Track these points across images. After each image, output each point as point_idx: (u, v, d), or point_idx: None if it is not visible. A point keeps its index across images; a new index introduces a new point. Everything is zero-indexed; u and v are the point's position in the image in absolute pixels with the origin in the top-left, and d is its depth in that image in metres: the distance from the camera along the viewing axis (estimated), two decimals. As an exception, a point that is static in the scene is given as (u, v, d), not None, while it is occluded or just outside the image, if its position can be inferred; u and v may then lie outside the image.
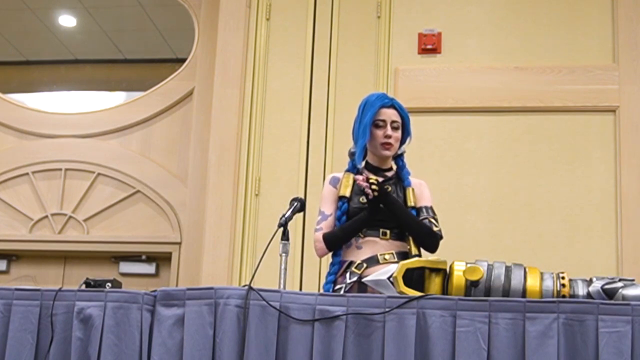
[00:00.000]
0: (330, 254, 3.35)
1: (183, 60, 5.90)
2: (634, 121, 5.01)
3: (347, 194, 3.35)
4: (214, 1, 5.67)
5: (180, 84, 5.81)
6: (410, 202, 3.38)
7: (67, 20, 6.75)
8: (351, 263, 3.29)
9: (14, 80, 6.93)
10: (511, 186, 5.05)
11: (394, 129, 3.37)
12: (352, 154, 3.43)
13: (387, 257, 3.28)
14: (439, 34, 5.29)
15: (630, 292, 2.60)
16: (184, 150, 5.71)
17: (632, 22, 5.12)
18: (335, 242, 3.31)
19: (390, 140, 3.36)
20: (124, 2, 6.46)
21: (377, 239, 3.31)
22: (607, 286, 2.63)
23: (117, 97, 6.42)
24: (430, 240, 3.31)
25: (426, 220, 3.35)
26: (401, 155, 3.46)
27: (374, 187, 3.22)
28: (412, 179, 3.45)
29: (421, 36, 5.30)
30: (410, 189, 3.41)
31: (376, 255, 3.28)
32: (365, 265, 3.26)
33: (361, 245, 3.30)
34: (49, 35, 6.78)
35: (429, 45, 5.28)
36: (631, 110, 5.03)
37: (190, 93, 5.77)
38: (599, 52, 5.16)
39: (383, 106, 3.37)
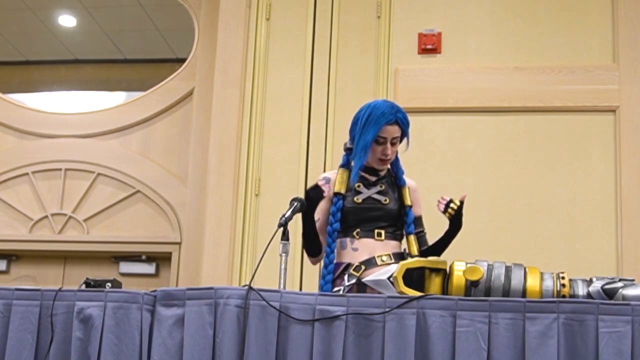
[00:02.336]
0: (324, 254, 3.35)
1: (183, 60, 5.90)
2: (634, 121, 5.01)
3: (343, 191, 3.35)
4: (214, 1, 5.67)
5: (180, 84, 5.81)
6: (407, 202, 3.39)
7: (67, 20, 6.75)
8: (348, 265, 3.28)
9: (14, 80, 6.93)
10: (511, 186, 5.06)
11: (393, 144, 3.36)
12: (347, 149, 3.42)
13: (384, 258, 3.28)
14: (439, 34, 5.29)
15: (630, 292, 2.60)
16: (184, 150, 5.71)
17: (632, 22, 5.12)
18: (308, 251, 3.36)
19: (388, 158, 3.35)
20: (124, 2, 6.46)
21: (372, 240, 3.31)
22: (607, 286, 2.63)
23: (117, 97, 6.42)
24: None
25: (423, 235, 3.46)
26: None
27: (450, 210, 3.35)
28: (406, 179, 3.47)
29: (421, 36, 5.30)
30: (406, 189, 3.42)
31: (373, 257, 3.28)
32: (363, 267, 3.26)
33: (357, 247, 3.30)
34: (49, 35, 6.78)
35: (429, 45, 5.28)
36: (631, 110, 5.03)
37: (190, 93, 5.77)
38: (599, 52, 5.16)
39: (387, 123, 3.32)
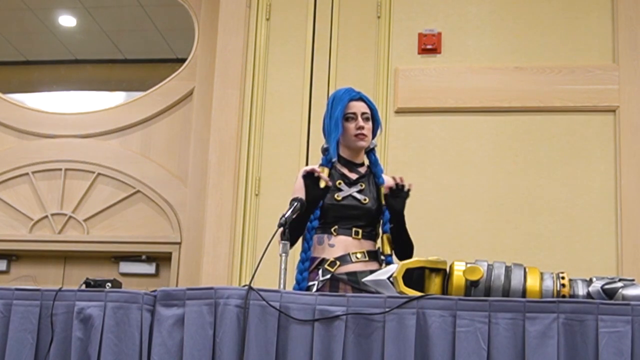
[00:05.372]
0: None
1: (183, 60, 5.90)
2: (634, 121, 5.01)
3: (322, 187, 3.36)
4: (214, 1, 5.68)
5: (180, 84, 5.81)
6: (383, 201, 3.41)
7: (67, 20, 6.75)
8: (323, 260, 3.31)
9: (14, 80, 6.93)
10: (511, 186, 5.05)
11: (365, 120, 3.40)
12: (324, 150, 3.46)
13: (358, 255, 3.31)
14: (439, 34, 5.29)
15: (630, 292, 2.60)
16: (184, 150, 5.71)
17: (632, 22, 5.12)
18: (292, 239, 3.28)
19: (364, 131, 3.39)
20: (124, 2, 6.46)
21: (349, 238, 3.33)
22: (607, 286, 2.63)
23: (117, 97, 6.42)
24: (410, 254, 3.38)
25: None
26: (373, 149, 3.49)
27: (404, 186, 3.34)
28: (384, 176, 3.49)
29: (421, 36, 5.30)
30: (384, 188, 3.43)
31: (348, 254, 3.31)
32: (338, 263, 3.29)
33: (333, 244, 3.33)
34: (49, 35, 6.78)
35: (429, 45, 5.28)
36: (631, 110, 5.03)
37: (190, 93, 5.77)
38: (599, 52, 5.16)
39: (352, 99, 3.40)
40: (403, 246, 3.40)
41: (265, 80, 5.39)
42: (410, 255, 3.35)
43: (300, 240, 3.38)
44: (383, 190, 3.42)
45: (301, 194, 3.34)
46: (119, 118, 5.86)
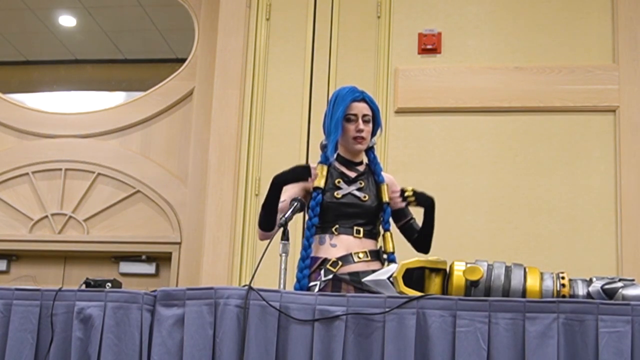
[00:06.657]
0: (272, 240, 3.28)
1: (183, 60, 5.90)
2: (634, 121, 5.01)
3: (322, 185, 3.35)
4: (214, 1, 5.68)
5: (180, 84, 5.81)
6: (385, 199, 3.40)
7: (67, 20, 6.75)
8: (325, 260, 3.29)
9: (14, 80, 6.93)
10: (511, 186, 5.06)
11: (365, 122, 3.39)
12: (323, 147, 3.44)
13: (360, 255, 3.30)
14: (439, 34, 5.30)
15: (630, 292, 2.60)
16: (184, 150, 5.71)
17: (632, 22, 5.13)
18: (261, 221, 3.30)
19: (363, 134, 3.38)
20: (124, 2, 6.46)
21: (350, 237, 3.32)
22: (607, 286, 2.63)
23: (117, 97, 6.42)
24: (429, 244, 3.44)
25: (413, 222, 3.48)
26: (372, 147, 3.49)
27: (410, 199, 3.36)
28: (383, 174, 3.48)
29: (421, 36, 5.30)
30: (385, 185, 3.43)
31: (350, 254, 3.30)
32: (340, 263, 3.28)
33: (335, 243, 3.32)
34: (49, 35, 6.78)
35: (429, 45, 5.28)
36: (631, 110, 5.03)
37: (190, 93, 5.77)
38: (599, 52, 5.16)
39: (354, 100, 3.38)
40: (425, 236, 3.43)
41: (265, 80, 5.39)
42: (428, 245, 3.41)
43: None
44: (385, 192, 3.42)
45: (290, 190, 3.32)
46: (119, 118, 5.86)
